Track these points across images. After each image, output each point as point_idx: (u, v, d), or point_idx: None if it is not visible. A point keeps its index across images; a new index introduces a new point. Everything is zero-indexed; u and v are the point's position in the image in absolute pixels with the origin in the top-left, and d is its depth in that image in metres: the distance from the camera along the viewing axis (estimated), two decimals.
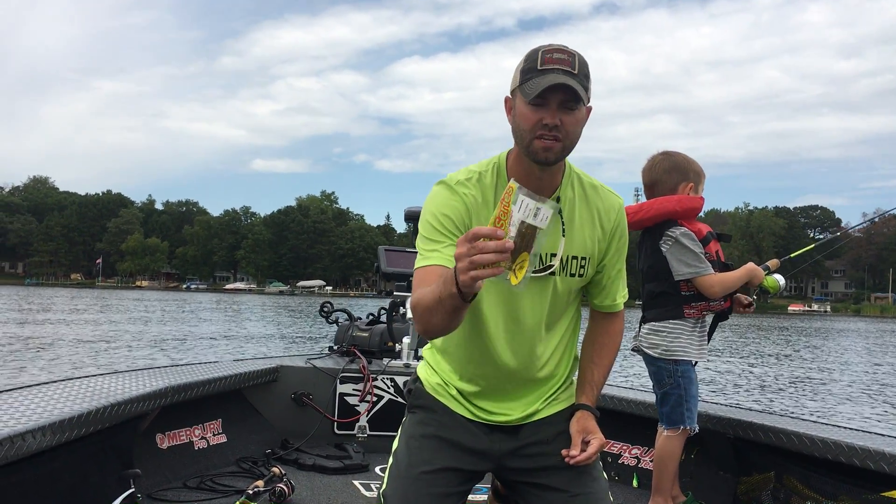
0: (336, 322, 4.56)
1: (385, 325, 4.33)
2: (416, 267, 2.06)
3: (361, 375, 3.99)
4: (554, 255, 2.06)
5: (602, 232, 2.12)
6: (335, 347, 4.42)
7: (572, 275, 2.10)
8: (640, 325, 3.08)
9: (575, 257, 2.09)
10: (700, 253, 2.93)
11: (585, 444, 2.06)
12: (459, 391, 2.18)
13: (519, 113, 1.94)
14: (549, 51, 1.90)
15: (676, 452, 2.96)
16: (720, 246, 3.08)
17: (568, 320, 2.18)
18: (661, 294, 2.99)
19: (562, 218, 2.07)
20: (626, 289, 2.24)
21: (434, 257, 1.96)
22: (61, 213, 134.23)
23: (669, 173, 3.05)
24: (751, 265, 3.04)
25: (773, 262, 3.20)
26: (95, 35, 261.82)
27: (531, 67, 1.90)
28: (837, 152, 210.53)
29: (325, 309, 4.59)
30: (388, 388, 4.00)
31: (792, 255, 3.63)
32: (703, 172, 3.10)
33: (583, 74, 1.90)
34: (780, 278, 3.11)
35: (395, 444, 2.22)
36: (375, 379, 3.99)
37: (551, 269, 2.06)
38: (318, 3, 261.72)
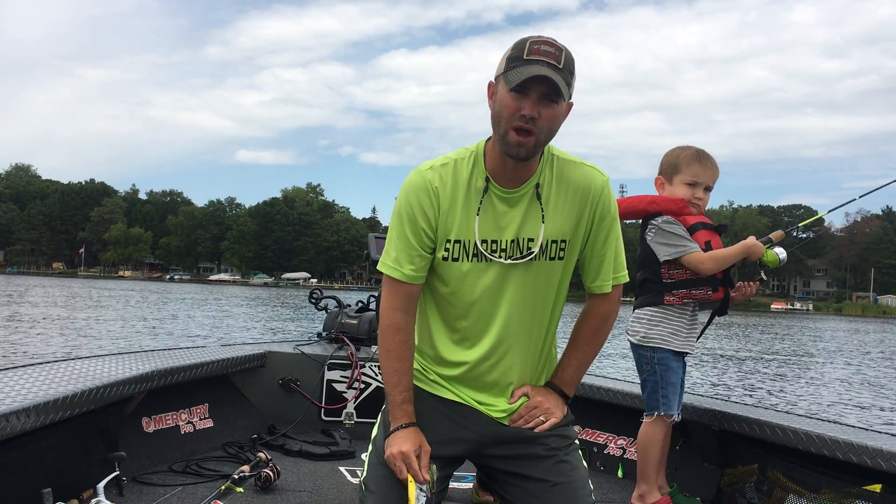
0: (325, 309, 4.55)
1: (374, 312, 4.32)
2: (383, 263, 2.11)
3: (349, 362, 3.98)
4: (532, 240, 2.06)
5: (581, 210, 2.10)
6: (324, 334, 4.40)
7: (552, 258, 2.10)
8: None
9: (555, 241, 2.08)
10: (683, 235, 2.91)
11: (539, 421, 2.14)
12: (440, 375, 2.19)
13: (500, 99, 1.95)
14: (537, 42, 1.90)
15: (657, 438, 2.96)
16: (717, 237, 2.99)
17: (551, 312, 2.17)
18: (644, 282, 3.00)
19: (541, 204, 2.06)
20: (620, 273, 2.20)
21: (401, 271, 2.09)
22: (43, 202, 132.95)
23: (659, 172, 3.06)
24: (750, 240, 2.98)
25: (776, 234, 3.10)
26: (80, 21, 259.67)
27: (517, 56, 1.91)
28: (821, 152, 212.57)
29: (315, 296, 4.58)
30: (376, 375, 3.99)
31: (801, 224, 3.52)
32: (683, 159, 2.96)
33: (567, 70, 1.91)
34: (780, 251, 3.00)
35: (374, 431, 2.23)
36: (363, 366, 3.99)
37: (532, 255, 2.07)
38: None
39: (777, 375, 17.91)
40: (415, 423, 2.09)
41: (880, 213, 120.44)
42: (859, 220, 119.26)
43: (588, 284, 2.21)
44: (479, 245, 2.05)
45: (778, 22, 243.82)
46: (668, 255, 2.92)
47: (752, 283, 3.03)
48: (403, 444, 2.02)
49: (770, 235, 3.10)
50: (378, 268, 2.14)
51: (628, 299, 3.12)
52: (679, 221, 2.94)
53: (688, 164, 2.97)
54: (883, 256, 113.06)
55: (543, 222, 2.06)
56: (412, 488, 1.97)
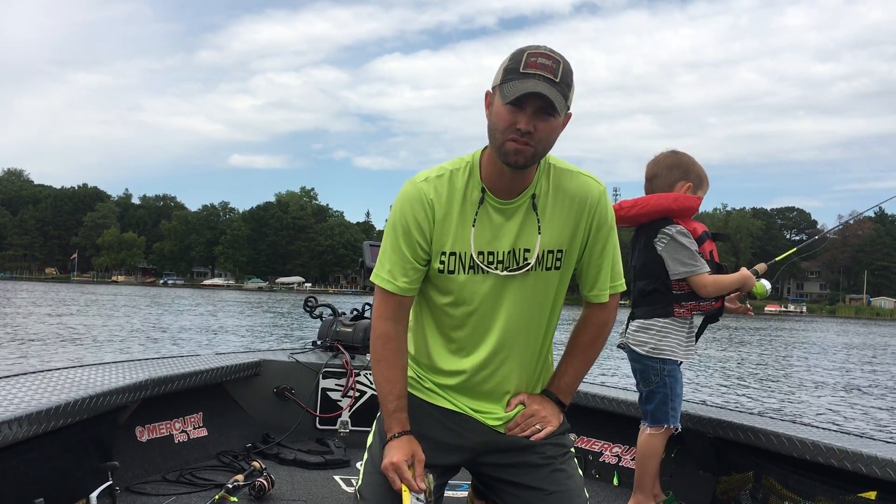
0: (320, 317, 4.54)
1: (369, 320, 4.31)
2: (377, 275, 2.10)
3: (344, 370, 3.97)
4: (528, 251, 2.05)
5: (578, 220, 2.08)
6: (318, 342, 4.40)
7: (548, 268, 2.09)
8: (629, 321, 3.08)
9: (551, 251, 2.07)
10: (695, 251, 2.93)
11: (535, 430, 2.14)
12: (435, 384, 2.18)
13: (496, 111, 1.93)
14: (534, 54, 1.88)
15: (658, 450, 2.97)
16: (715, 246, 3.07)
17: (548, 321, 2.16)
18: (652, 292, 2.98)
19: (537, 214, 2.05)
20: (618, 282, 2.19)
21: (395, 284, 2.07)
22: (36, 207, 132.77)
23: (671, 170, 3.05)
24: (746, 272, 3.07)
25: (761, 267, 3.20)
26: (72, 27, 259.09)
27: (514, 69, 1.89)
28: (813, 154, 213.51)
29: (310, 303, 4.57)
30: (371, 383, 3.98)
31: (777, 259, 3.64)
32: (706, 178, 3.10)
33: (564, 83, 1.89)
34: (766, 283, 3.12)
35: (370, 439, 2.21)
36: (358, 374, 3.98)
37: (528, 266, 2.06)
38: None
39: (770, 382, 17.93)
40: (408, 432, 2.08)
41: (873, 215, 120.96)
42: (852, 222, 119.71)
43: (585, 294, 2.20)
44: (475, 257, 2.04)
45: (770, 26, 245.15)
46: (677, 273, 2.93)
47: (747, 307, 3.20)
48: (395, 454, 2.01)
49: (755, 267, 3.20)
50: (371, 279, 2.13)
51: (624, 302, 3.12)
52: (690, 233, 2.96)
53: (706, 182, 3.10)
54: (876, 258, 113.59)
55: (540, 233, 2.05)
56: (407, 498, 1.96)
